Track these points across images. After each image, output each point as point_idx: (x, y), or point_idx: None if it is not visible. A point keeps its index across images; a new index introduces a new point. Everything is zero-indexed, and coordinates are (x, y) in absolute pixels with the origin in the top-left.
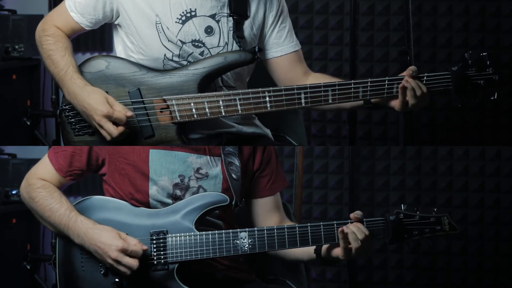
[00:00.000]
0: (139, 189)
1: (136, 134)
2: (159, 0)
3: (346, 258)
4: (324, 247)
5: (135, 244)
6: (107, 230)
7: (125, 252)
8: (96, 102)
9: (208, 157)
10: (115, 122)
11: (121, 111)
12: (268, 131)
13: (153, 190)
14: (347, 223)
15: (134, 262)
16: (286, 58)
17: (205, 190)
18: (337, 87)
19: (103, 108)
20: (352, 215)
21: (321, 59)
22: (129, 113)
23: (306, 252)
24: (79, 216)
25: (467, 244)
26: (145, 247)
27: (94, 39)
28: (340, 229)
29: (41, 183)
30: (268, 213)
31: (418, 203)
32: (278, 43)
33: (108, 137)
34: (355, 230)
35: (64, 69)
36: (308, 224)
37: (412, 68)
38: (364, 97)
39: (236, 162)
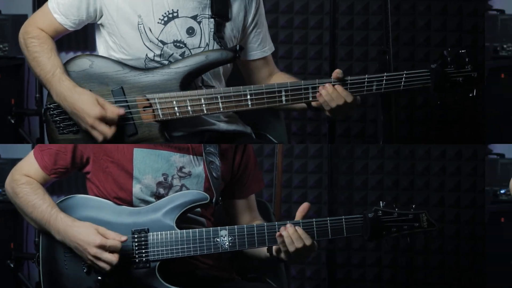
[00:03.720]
0: (122, 188)
1: (119, 132)
2: (141, 1)
3: (288, 260)
4: (275, 246)
5: (113, 239)
6: (85, 226)
7: (103, 247)
8: (87, 105)
9: (191, 156)
10: (107, 122)
11: (114, 111)
12: (249, 129)
13: (136, 189)
14: (326, 220)
15: (113, 258)
16: (254, 63)
17: (188, 189)
18: (317, 85)
19: (96, 110)
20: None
21: (301, 58)
22: (121, 111)
23: (263, 249)
24: (60, 213)
25: (444, 242)
26: (124, 238)
27: (77, 39)
28: (277, 233)
29: (26, 179)
30: (240, 212)
31: (396, 202)
32: (251, 48)
33: (100, 138)
34: (290, 233)
35: (51, 71)
36: (288, 221)
37: (337, 71)
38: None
39: (217, 161)
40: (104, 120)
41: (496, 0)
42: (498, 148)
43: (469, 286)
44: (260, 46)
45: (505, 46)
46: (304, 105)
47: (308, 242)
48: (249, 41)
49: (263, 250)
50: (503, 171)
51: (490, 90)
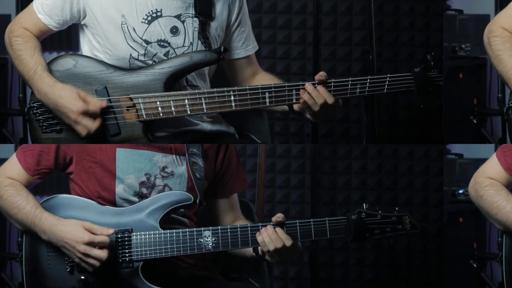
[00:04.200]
0: (105, 188)
1: (103, 132)
2: (125, 1)
3: (271, 260)
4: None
5: (100, 233)
6: (71, 224)
7: (92, 244)
8: (69, 100)
9: (174, 156)
10: (91, 116)
11: (96, 104)
12: (232, 130)
13: (119, 189)
14: (309, 222)
15: (102, 254)
16: (237, 62)
17: (170, 189)
18: (300, 87)
19: (78, 105)
20: (273, 218)
21: (284, 58)
22: (104, 104)
23: (248, 250)
24: (44, 213)
25: (427, 242)
26: (111, 231)
27: (61, 39)
28: (257, 233)
29: (9, 181)
30: (223, 212)
31: (379, 202)
32: (235, 46)
33: (84, 132)
34: (271, 236)
35: (33, 68)
36: (271, 222)
37: (321, 73)
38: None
39: (200, 162)
40: (87, 114)
41: (454, 0)
42: (456, 148)
43: (433, 286)
44: (244, 45)
45: (463, 46)
46: (285, 107)
47: (288, 243)
48: (232, 40)
49: (249, 250)
50: (467, 170)
51: (448, 90)
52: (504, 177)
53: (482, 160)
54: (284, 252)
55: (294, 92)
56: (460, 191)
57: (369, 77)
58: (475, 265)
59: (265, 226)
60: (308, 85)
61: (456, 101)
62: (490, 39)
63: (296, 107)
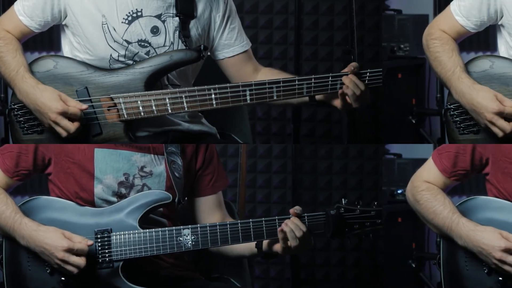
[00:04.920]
0: (84, 188)
1: (84, 132)
2: (105, 1)
3: (286, 254)
4: (265, 241)
5: (80, 242)
6: (51, 231)
7: (71, 251)
8: (49, 100)
9: (152, 155)
10: (70, 118)
11: (76, 106)
12: (214, 130)
13: (98, 189)
14: (288, 218)
15: (81, 261)
16: (237, 58)
17: (149, 188)
18: (281, 84)
19: (58, 105)
20: (291, 210)
21: (266, 58)
22: (84, 106)
23: (247, 247)
24: (24, 218)
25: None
26: (90, 242)
27: (42, 39)
28: (279, 228)
29: None
30: (210, 211)
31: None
32: (229, 44)
33: (64, 134)
34: (293, 228)
35: (15, 69)
36: (250, 220)
37: (353, 64)
38: (308, 93)
39: (178, 161)
40: (66, 115)
41: (393, 0)
42: (394, 148)
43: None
44: (238, 41)
45: (402, 46)
46: (306, 98)
47: (305, 228)
48: (224, 38)
49: (249, 246)
50: (406, 171)
51: (387, 90)
52: (441, 180)
53: (421, 160)
54: (301, 241)
55: (274, 88)
56: (399, 191)
57: (348, 72)
58: (413, 265)
59: (246, 223)
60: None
61: (395, 101)
62: (428, 41)
63: (319, 97)
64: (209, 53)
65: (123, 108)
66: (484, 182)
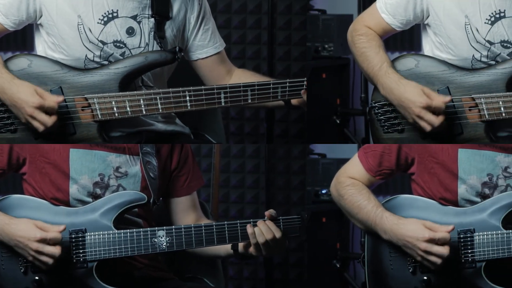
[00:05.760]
0: (59, 188)
1: (58, 132)
2: (81, 1)
3: (259, 255)
4: (241, 243)
5: (53, 231)
6: (24, 222)
7: (44, 241)
8: (26, 95)
9: (127, 156)
10: (47, 112)
11: (53, 99)
12: (187, 130)
13: (73, 189)
14: (278, 219)
15: (55, 250)
16: (211, 59)
17: (124, 189)
18: (256, 87)
19: (34, 99)
20: (267, 213)
21: (240, 58)
22: (60, 98)
23: (223, 247)
24: None
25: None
26: (62, 227)
27: (16, 38)
28: (247, 226)
29: None
30: (184, 212)
31: None
32: (203, 45)
33: (41, 128)
34: (263, 230)
35: None
36: (225, 222)
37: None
38: (282, 97)
39: (154, 161)
40: (43, 109)
41: (317, 0)
42: (318, 148)
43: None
44: (211, 42)
45: (326, 46)
46: (281, 102)
47: (278, 234)
48: (198, 39)
49: (223, 248)
50: (330, 170)
51: (311, 90)
52: (366, 177)
53: (345, 160)
54: (272, 244)
55: (249, 92)
56: (323, 191)
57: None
58: (338, 265)
59: (221, 225)
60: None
61: (319, 101)
62: (354, 37)
63: (295, 101)
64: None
65: (97, 108)
66: (409, 182)
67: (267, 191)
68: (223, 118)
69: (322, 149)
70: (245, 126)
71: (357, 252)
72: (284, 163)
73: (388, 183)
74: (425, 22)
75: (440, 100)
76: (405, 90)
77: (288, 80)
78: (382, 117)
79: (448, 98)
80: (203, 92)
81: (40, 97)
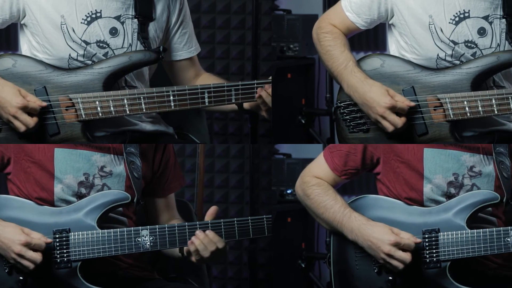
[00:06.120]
0: (44, 188)
1: (42, 132)
2: (65, 1)
3: (198, 262)
4: (186, 248)
5: (38, 238)
6: (11, 226)
7: (28, 245)
8: (9, 95)
9: (112, 155)
10: (30, 113)
11: (36, 102)
12: (171, 129)
13: (58, 189)
14: (247, 220)
15: (37, 256)
16: (181, 63)
17: (109, 188)
18: (240, 87)
19: (18, 100)
20: (206, 217)
21: (224, 58)
22: (43, 104)
23: (175, 250)
24: None
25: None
26: (49, 240)
27: None
28: (189, 241)
29: None
30: (159, 211)
31: None
32: (177, 48)
33: (22, 128)
34: (206, 243)
35: None
36: (209, 221)
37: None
38: (236, 100)
39: (137, 161)
40: (26, 110)
41: (282, 0)
42: (284, 148)
43: None
44: (186, 46)
45: (291, 46)
46: (235, 106)
47: (220, 245)
48: (174, 41)
49: (175, 250)
50: (296, 170)
51: (276, 90)
52: (331, 177)
53: (310, 160)
54: (215, 254)
55: (233, 91)
56: (288, 191)
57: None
58: (303, 265)
59: (204, 224)
60: (199, 233)
61: (285, 101)
62: (319, 35)
63: (247, 105)
64: None
65: (81, 108)
66: (374, 181)
67: (251, 191)
68: (207, 118)
69: (288, 149)
70: (229, 126)
71: (322, 252)
72: (268, 163)
73: (353, 183)
74: (390, 22)
75: (405, 102)
76: (370, 89)
77: (240, 83)
78: (347, 117)
79: (412, 103)
80: (187, 92)
81: (23, 98)
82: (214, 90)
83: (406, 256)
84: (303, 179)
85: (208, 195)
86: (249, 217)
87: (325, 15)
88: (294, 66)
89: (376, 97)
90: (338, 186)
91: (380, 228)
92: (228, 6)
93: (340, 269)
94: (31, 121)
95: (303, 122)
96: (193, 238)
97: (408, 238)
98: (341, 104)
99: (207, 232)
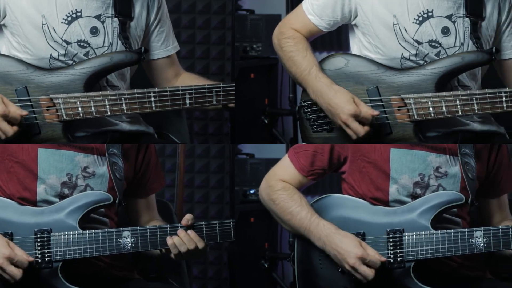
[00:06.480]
0: (27, 188)
1: (23, 132)
2: (45, 1)
3: (177, 259)
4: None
5: (21, 255)
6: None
7: (10, 260)
8: None
9: (95, 156)
10: (10, 121)
11: (16, 111)
12: (151, 129)
13: (41, 189)
14: (228, 223)
15: (17, 272)
16: (160, 62)
17: (92, 189)
18: (221, 88)
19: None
20: (183, 222)
21: (203, 58)
22: (24, 113)
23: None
24: None
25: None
26: (31, 259)
27: None
28: (167, 238)
29: None
30: (139, 212)
31: None
32: (155, 47)
33: (2, 137)
34: (185, 240)
35: None
36: (179, 225)
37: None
38: (218, 101)
39: (119, 162)
40: (6, 118)
41: (245, 0)
42: (247, 148)
43: None
44: (163, 45)
45: (254, 46)
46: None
47: (201, 245)
48: (151, 40)
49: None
50: (259, 170)
51: (240, 90)
52: (297, 178)
53: (274, 160)
54: (194, 253)
55: (214, 93)
56: (251, 191)
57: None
58: (266, 265)
59: (184, 227)
60: (181, 231)
61: (248, 101)
62: (281, 41)
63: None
64: None
65: (62, 108)
66: (338, 181)
67: (231, 191)
68: (187, 118)
69: (251, 149)
70: (209, 126)
71: (285, 252)
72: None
73: (317, 183)
74: (353, 23)
75: (368, 112)
76: (335, 95)
77: (221, 84)
78: (311, 116)
79: (376, 112)
80: (168, 93)
81: (5, 106)
82: (195, 92)
83: (369, 273)
84: (268, 183)
85: (188, 195)
86: (217, 222)
87: (286, 20)
88: (257, 66)
89: (341, 104)
90: (304, 188)
91: (349, 240)
92: (208, 6)
93: (304, 268)
94: (11, 130)
95: (266, 122)
96: (169, 237)
97: (374, 256)
98: (305, 103)
99: (189, 231)
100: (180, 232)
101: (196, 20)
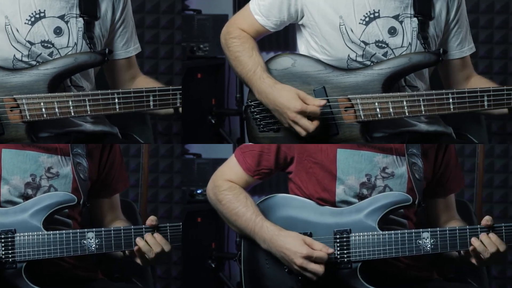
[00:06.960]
0: None
1: None
2: (8, 1)
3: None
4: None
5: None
6: None
7: None
8: None
9: (59, 156)
10: None
11: None
12: (115, 129)
13: (4, 190)
14: (165, 227)
15: None
16: (118, 63)
17: (56, 189)
18: (178, 92)
19: None
20: (148, 222)
21: (152, 57)
22: None
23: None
24: None
25: None
26: None
27: None
28: (137, 239)
29: None
30: (103, 212)
31: None
32: (117, 47)
33: None
34: (151, 244)
35: None
36: (146, 226)
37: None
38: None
39: (84, 163)
40: None
41: (192, 0)
42: (194, 148)
43: None
44: (125, 46)
45: (201, 46)
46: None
47: (167, 247)
48: (114, 40)
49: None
50: (206, 170)
51: (187, 90)
52: (243, 178)
53: (221, 160)
54: (159, 256)
55: (178, 95)
56: (198, 191)
57: None
58: (213, 265)
59: (149, 229)
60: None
61: (195, 101)
62: (228, 40)
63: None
64: None
65: (25, 109)
66: (284, 181)
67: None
68: (151, 118)
69: (198, 149)
70: (173, 126)
71: (232, 252)
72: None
73: (263, 183)
74: (300, 23)
75: (315, 104)
76: (280, 94)
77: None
78: (257, 116)
79: (323, 101)
80: (132, 94)
81: None
82: (159, 94)
83: (319, 269)
84: (215, 183)
85: (152, 195)
86: (168, 224)
87: (233, 20)
88: (204, 66)
89: (286, 102)
90: (250, 187)
91: (292, 239)
92: (157, 6)
93: (250, 268)
94: None
95: (213, 122)
96: (138, 239)
97: (321, 249)
98: (252, 103)
99: (155, 234)
100: (147, 235)
101: (145, 19)
